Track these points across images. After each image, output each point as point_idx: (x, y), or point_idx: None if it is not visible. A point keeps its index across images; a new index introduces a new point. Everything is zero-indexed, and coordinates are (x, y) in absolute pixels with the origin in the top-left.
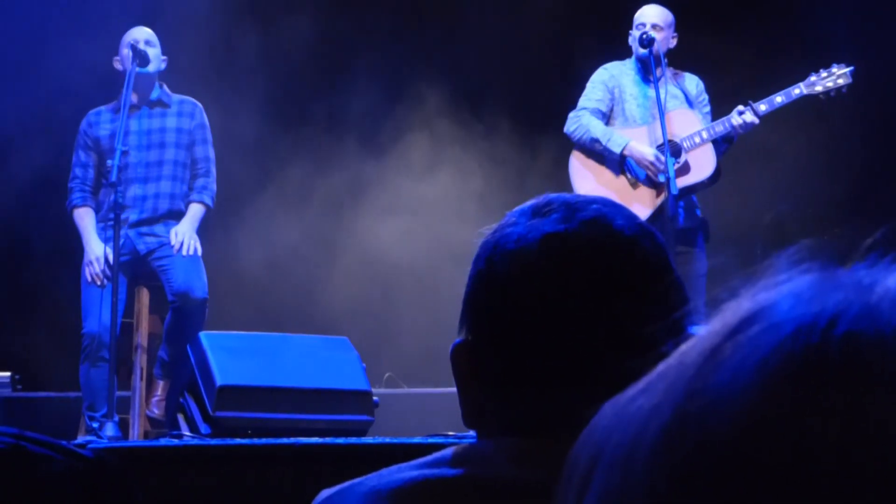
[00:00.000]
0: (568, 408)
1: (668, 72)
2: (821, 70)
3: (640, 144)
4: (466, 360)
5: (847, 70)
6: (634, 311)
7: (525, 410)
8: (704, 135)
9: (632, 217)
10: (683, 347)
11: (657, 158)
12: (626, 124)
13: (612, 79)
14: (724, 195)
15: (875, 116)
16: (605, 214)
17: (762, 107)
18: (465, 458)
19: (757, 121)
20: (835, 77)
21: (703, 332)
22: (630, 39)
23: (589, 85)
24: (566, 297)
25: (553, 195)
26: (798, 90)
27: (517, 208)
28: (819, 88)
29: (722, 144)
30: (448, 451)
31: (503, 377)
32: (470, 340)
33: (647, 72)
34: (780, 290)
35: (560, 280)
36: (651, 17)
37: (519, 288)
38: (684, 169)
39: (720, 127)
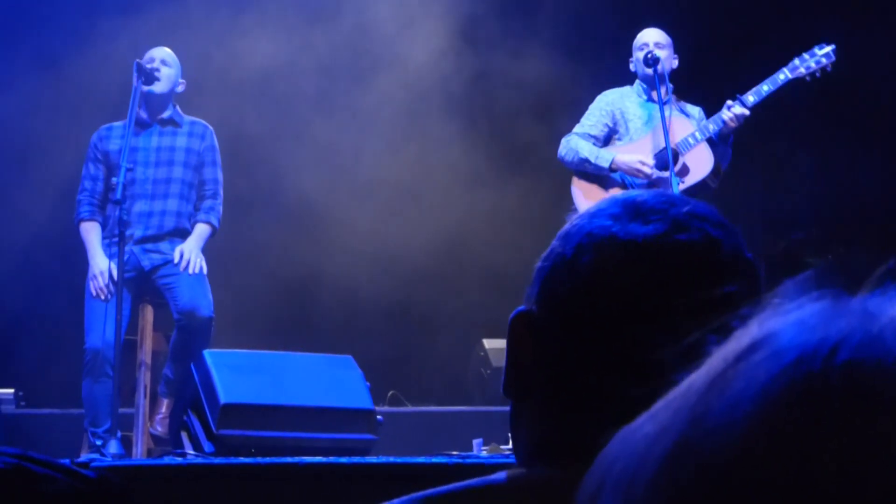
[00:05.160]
0: (602, 432)
1: (672, 97)
2: (803, 53)
3: (625, 154)
4: (523, 328)
5: (829, 49)
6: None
7: (565, 426)
8: (698, 135)
9: (740, 246)
10: (692, 375)
11: (641, 162)
12: (632, 143)
13: (611, 103)
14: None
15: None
16: (714, 239)
17: (750, 98)
18: (501, 492)
19: (748, 112)
20: (818, 57)
21: (710, 360)
22: (632, 65)
23: (587, 111)
24: (638, 312)
25: (662, 197)
26: (783, 75)
27: (619, 197)
28: (803, 71)
29: (719, 145)
30: (483, 481)
31: (557, 357)
32: (533, 311)
33: (651, 93)
34: (787, 317)
35: (637, 293)
36: (653, 37)
37: (594, 284)
38: (683, 171)
39: (713, 125)
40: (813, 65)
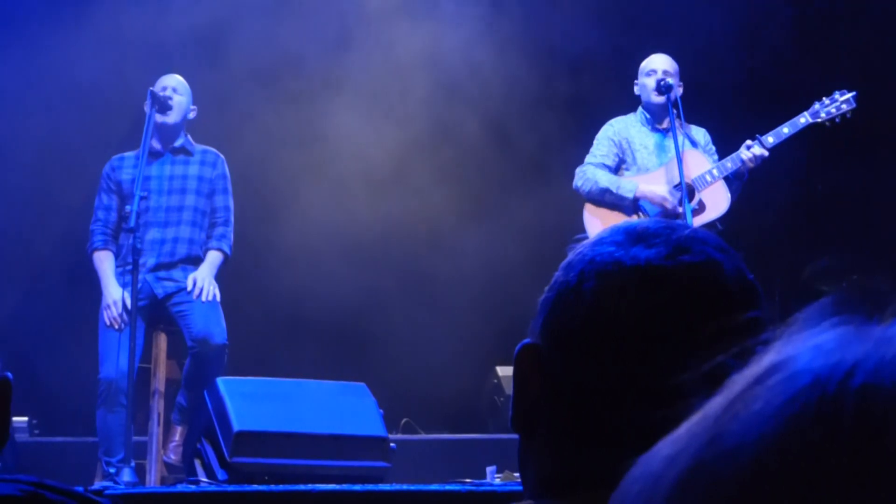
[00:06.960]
0: (613, 461)
1: (676, 122)
2: (824, 98)
3: (650, 184)
4: (529, 361)
5: (850, 95)
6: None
7: (574, 458)
8: (715, 172)
9: (742, 269)
10: (711, 399)
11: (671, 193)
12: (639, 173)
13: (617, 133)
14: (754, 249)
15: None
16: (716, 261)
17: (770, 139)
18: None
19: (766, 153)
20: (838, 103)
21: (729, 383)
22: (637, 89)
23: (595, 142)
24: (644, 336)
25: (662, 223)
26: (804, 119)
27: (621, 225)
28: (823, 116)
29: (734, 182)
30: None
31: (565, 389)
32: (539, 344)
33: (656, 120)
34: (805, 342)
35: (643, 316)
36: (661, 65)
37: (599, 312)
38: (700, 208)
39: (730, 164)
40: (833, 110)
